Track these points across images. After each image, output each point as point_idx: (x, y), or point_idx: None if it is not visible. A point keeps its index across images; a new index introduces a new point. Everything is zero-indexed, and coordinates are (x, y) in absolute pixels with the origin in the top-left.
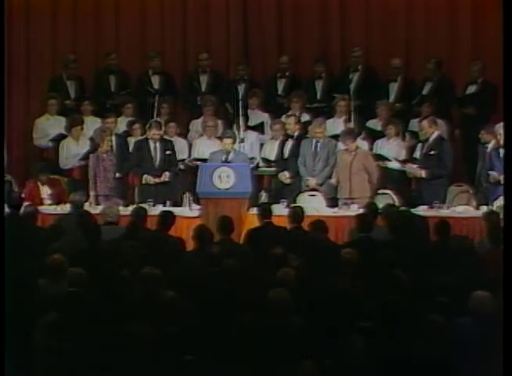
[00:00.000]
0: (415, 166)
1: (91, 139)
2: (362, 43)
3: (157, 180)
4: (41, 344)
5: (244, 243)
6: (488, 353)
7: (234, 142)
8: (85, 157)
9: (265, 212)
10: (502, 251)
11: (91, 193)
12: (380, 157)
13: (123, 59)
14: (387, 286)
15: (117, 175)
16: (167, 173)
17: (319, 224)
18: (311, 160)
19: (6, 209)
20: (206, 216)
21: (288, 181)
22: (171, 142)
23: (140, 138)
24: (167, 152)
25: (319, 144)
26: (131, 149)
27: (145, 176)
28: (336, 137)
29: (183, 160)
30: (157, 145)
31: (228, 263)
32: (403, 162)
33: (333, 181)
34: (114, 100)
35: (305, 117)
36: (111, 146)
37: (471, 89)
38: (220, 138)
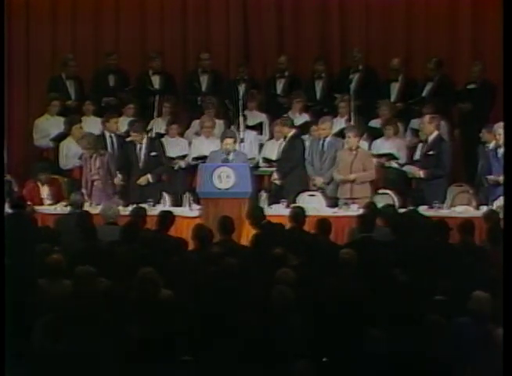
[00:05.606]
0: (414, 166)
1: None
2: (362, 43)
3: (138, 181)
4: (41, 344)
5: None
6: (488, 353)
7: (235, 142)
8: (82, 157)
9: (259, 215)
10: (502, 251)
11: (84, 191)
12: (384, 156)
13: (123, 59)
14: (387, 286)
15: (103, 175)
16: (149, 175)
17: (324, 223)
18: (318, 160)
19: (6, 209)
20: (206, 216)
21: (278, 182)
22: (160, 143)
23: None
24: (153, 153)
25: (325, 143)
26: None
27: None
28: (340, 132)
29: (184, 156)
30: (143, 146)
31: (228, 263)
32: (403, 164)
33: (330, 187)
34: (116, 97)
35: (305, 118)
36: (96, 146)
37: (471, 87)
38: (222, 138)
